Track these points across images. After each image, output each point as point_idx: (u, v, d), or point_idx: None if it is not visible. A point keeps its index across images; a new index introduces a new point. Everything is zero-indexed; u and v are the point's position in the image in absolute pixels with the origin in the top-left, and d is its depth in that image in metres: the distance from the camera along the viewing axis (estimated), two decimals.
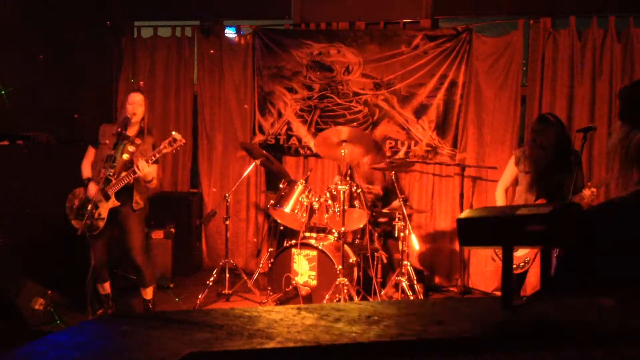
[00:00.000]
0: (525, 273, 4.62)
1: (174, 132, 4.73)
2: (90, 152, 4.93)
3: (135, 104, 4.79)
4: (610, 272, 1.45)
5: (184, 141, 4.73)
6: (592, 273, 1.47)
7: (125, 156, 4.73)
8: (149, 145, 4.80)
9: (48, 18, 6.03)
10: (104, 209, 4.71)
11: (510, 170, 4.73)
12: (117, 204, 4.73)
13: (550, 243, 1.37)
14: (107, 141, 4.80)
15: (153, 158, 4.67)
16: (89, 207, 4.57)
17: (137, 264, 4.92)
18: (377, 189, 5.97)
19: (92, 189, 4.71)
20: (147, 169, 4.63)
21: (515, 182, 4.73)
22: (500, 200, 4.83)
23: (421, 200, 6.51)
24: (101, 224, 4.71)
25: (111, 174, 4.65)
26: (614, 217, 1.50)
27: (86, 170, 4.88)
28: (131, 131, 4.81)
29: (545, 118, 4.55)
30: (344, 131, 5.18)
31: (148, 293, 5.05)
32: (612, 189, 5.24)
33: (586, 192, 4.36)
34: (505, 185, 4.81)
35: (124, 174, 4.67)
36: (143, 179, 4.71)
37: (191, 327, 1.17)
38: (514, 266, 4.58)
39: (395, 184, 5.34)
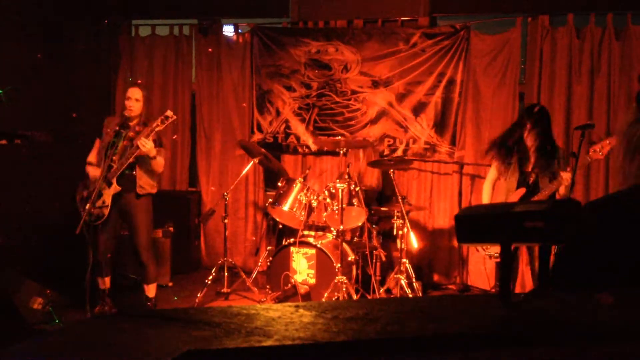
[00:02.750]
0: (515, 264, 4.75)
1: (168, 111, 4.74)
2: (97, 144, 5.01)
3: (132, 99, 4.85)
4: (609, 268, 1.45)
5: (175, 117, 4.74)
6: (590, 269, 1.47)
7: (126, 142, 4.77)
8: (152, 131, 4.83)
9: (46, 17, 6.02)
10: (107, 196, 4.75)
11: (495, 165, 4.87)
12: (119, 188, 4.76)
13: (549, 240, 1.37)
14: (109, 130, 4.87)
15: (149, 135, 4.69)
16: (92, 192, 4.62)
17: (142, 259, 4.94)
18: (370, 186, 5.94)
19: (93, 170, 4.81)
20: (149, 144, 4.63)
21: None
22: (486, 193, 4.94)
23: (420, 198, 6.51)
24: (105, 211, 4.74)
25: (112, 160, 4.72)
26: (613, 212, 1.49)
27: (90, 157, 4.98)
28: (132, 123, 4.88)
29: (533, 110, 4.73)
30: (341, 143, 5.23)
31: (151, 290, 5.06)
32: (614, 179, 5.30)
33: (564, 175, 4.49)
34: (492, 179, 4.92)
35: (124, 159, 4.73)
36: (147, 154, 4.70)
37: (189, 325, 1.17)
38: (495, 254, 4.72)
39: (394, 183, 5.33)
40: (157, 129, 4.68)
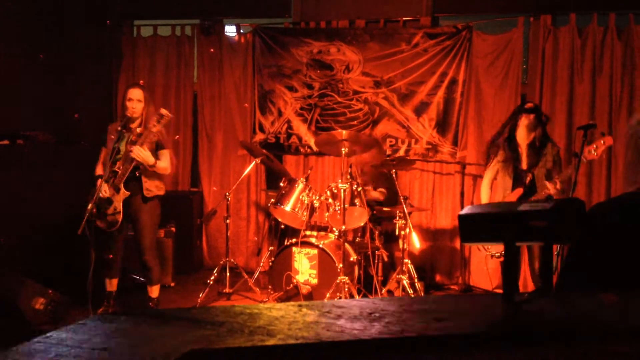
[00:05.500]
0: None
1: (161, 109, 4.69)
2: (103, 153, 4.99)
3: (134, 100, 4.83)
4: (614, 269, 1.44)
5: (170, 115, 4.70)
6: (595, 270, 1.46)
7: (129, 146, 4.77)
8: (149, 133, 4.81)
9: (48, 17, 6.02)
10: (118, 202, 4.76)
11: (493, 163, 4.90)
12: (127, 193, 4.76)
13: (552, 239, 1.36)
14: (112, 136, 4.86)
15: (146, 140, 4.66)
16: (97, 197, 4.62)
17: (146, 260, 4.96)
18: (377, 194, 5.91)
19: (104, 188, 4.76)
20: (143, 153, 4.64)
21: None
22: (485, 193, 4.97)
23: (422, 199, 6.51)
24: (119, 217, 4.76)
25: (117, 166, 4.72)
26: (622, 214, 1.48)
27: (98, 169, 4.96)
28: (133, 125, 4.87)
29: (523, 107, 4.81)
30: (343, 134, 5.17)
31: (154, 291, 5.08)
32: (620, 182, 5.30)
33: (549, 185, 4.51)
34: (490, 178, 4.95)
35: (127, 164, 4.72)
36: (144, 163, 4.70)
37: (192, 325, 1.17)
38: (497, 254, 4.74)
39: (396, 184, 5.34)
40: (154, 130, 4.65)
